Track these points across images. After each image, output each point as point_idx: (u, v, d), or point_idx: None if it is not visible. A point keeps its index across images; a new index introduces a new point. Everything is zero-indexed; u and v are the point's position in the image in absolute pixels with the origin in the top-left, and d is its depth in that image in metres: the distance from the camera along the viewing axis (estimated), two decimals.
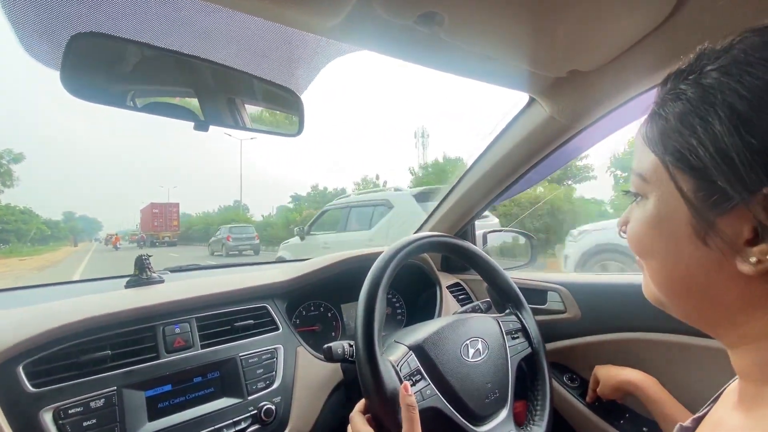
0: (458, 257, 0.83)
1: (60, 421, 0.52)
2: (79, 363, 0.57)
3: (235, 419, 0.63)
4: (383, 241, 4.05)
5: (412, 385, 0.58)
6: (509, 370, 0.71)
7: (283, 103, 0.66)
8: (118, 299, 0.68)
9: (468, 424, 0.60)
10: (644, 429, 0.87)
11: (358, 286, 1.06)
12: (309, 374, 0.75)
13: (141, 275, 0.85)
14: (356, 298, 1.08)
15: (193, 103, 0.58)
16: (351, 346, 0.77)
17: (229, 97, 0.61)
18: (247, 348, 0.71)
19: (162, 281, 0.86)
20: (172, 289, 0.73)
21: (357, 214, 4.98)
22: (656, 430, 0.85)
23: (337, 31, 0.52)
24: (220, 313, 0.73)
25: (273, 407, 0.66)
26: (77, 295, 0.70)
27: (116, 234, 31.68)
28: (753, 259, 0.26)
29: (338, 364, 0.83)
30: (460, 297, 1.21)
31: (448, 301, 1.16)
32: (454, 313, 0.87)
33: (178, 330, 0.67)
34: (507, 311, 0.81)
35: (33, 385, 0.53)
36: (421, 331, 0.69)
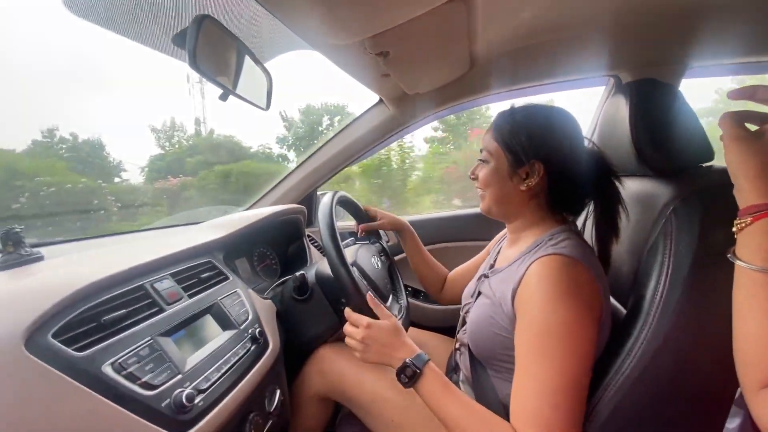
0: (348, 209, 1.18)
1: (123, 372, 0.51)
2: (101, 325, 0.54)
3: (240, 343, 0.74)
4: None
5: None
6: (387, 272, 1.17)
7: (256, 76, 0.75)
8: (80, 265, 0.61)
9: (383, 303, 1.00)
10: None
11: (246, 243, 1.21)
12: (262, 309, 0.90)
13: (18, 251, 0.69)
14: (243, 255, 1.20)
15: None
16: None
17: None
18: (220, 293, 0.79)
19: (41, 258, 0.72)
20: (83, 261, 0.70)
21: None
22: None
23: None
24: (188, 267, 0.76)
25: (259, 329, 0.81)
26: None
27: None
28: (524, 186, 0.80)
29: (270, 301, 1.00)
30: (315, 244, 1.53)
31: (311, 248, 1.46)
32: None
33: (164, 285, 0.68)
34: (372, 240, 1.25)
35: (75, 350, 0.48)
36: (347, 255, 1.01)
